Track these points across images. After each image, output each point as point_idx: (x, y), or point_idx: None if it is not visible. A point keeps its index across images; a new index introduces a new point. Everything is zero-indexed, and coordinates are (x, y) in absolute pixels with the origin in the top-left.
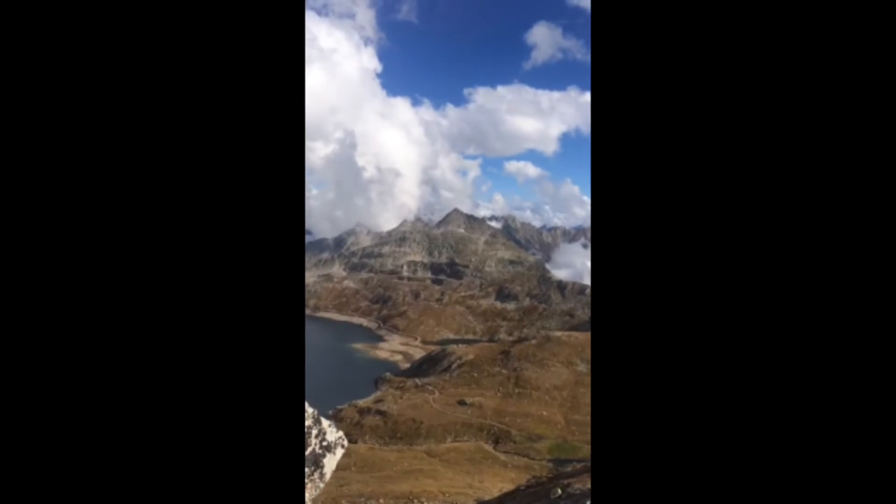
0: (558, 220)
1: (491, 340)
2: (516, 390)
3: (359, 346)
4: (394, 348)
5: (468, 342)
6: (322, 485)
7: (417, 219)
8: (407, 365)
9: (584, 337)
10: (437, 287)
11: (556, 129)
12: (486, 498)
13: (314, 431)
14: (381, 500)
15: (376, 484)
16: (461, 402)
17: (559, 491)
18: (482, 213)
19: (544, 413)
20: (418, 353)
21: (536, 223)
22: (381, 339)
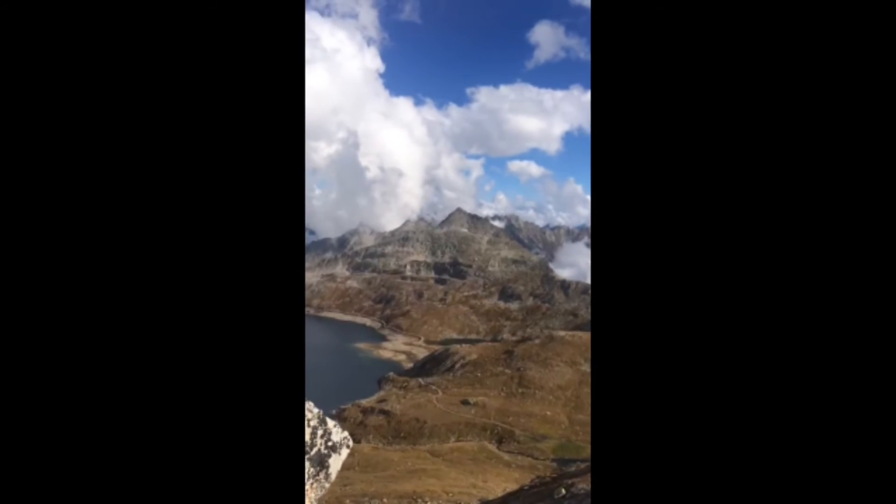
0: (561, 220)
1: (494, 340)
2: (520, 390)
3: (362, 345)
4: (397, 348)
5: (471, 342)
6: (327, 485)
7: (420, 218)
8: (410, 365)
9: (588, 336)
10: (441, 287)
11: (559, 128)
12: (490, 498)
13: (319, 432)
14: (385, 500)
15: (380, 483)
16: (465, 402)
17: (563, 491)
18: (485, 212)
19: (548, 413)
20: (422, 353)
21: (540, 222)
22: (384, 338)
